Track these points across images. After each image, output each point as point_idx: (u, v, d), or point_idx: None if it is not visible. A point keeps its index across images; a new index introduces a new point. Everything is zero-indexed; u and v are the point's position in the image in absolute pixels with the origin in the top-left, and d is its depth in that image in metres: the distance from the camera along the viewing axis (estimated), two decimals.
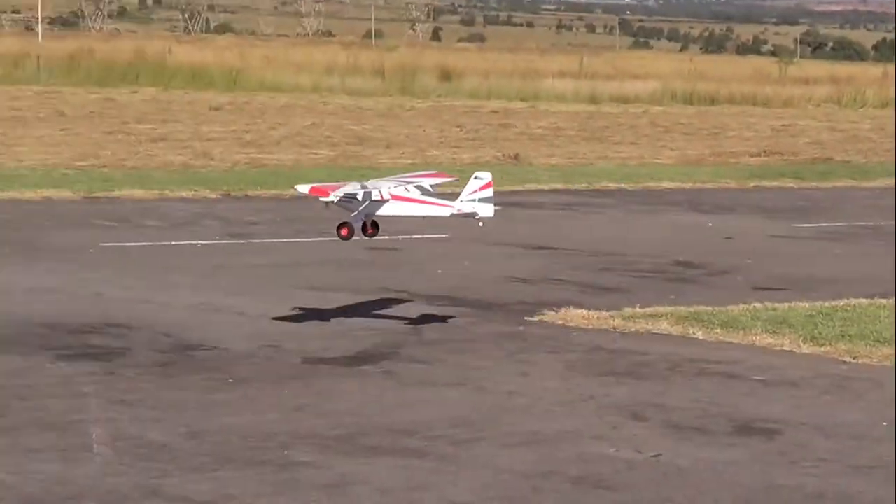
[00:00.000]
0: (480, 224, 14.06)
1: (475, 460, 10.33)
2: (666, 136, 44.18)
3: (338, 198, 13.56)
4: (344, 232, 14.05)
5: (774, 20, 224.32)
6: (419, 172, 15.72)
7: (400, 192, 13.83)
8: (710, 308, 16.23)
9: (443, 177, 15.35)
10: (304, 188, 14.06)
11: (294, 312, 15.62)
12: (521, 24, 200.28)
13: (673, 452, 10.66)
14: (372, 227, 14.09)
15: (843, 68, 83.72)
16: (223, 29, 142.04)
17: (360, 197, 13.64)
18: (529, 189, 28.97)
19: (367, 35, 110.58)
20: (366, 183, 14.05)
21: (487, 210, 13.56)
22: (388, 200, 13.68)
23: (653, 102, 58.40)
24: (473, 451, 10.57)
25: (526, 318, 15.75)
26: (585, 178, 31.40)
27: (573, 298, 16.77)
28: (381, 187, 13.80)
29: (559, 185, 30.01)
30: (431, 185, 14.23)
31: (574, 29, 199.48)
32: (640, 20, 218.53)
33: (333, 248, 17.83)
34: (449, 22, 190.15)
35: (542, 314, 15.88)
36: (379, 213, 13.81)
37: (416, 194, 13.93)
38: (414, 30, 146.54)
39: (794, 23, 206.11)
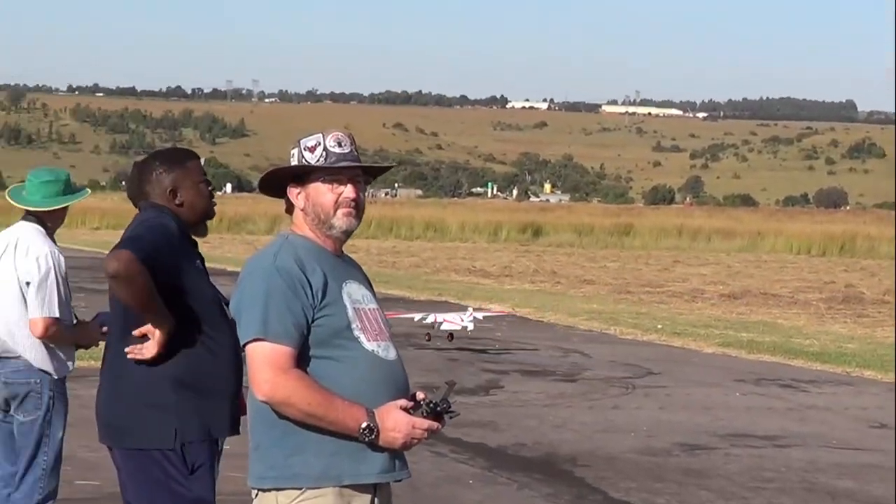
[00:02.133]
0: (469, 331, 19.23)
1: None
2: None
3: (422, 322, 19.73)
4: (426, 338, 19.56)
5: None
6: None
7: (449, 317, 19.56)
8: None
9: (501, 312, 23.24)
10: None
11: None
12: None
13: None
14: (449, 337, 19.31)
15: None
16: None
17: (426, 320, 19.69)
18: None
19: None
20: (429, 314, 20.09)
21: (471, 325, 19.01)
22: (442, 322, 19.28)
23: None
24: None
25: None
26: None
27: None
28: (439, 315, 19.83)
29: None
30: (483, 317, 20.68)
31: None
32: None
33: None
34: None
35: None
36: (443, 328, 19.26)
37: (455, 317, 19.58)
38: None
39: None
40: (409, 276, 34.01)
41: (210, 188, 5.34)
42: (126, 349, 4.98)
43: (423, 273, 36.06)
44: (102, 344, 6.52)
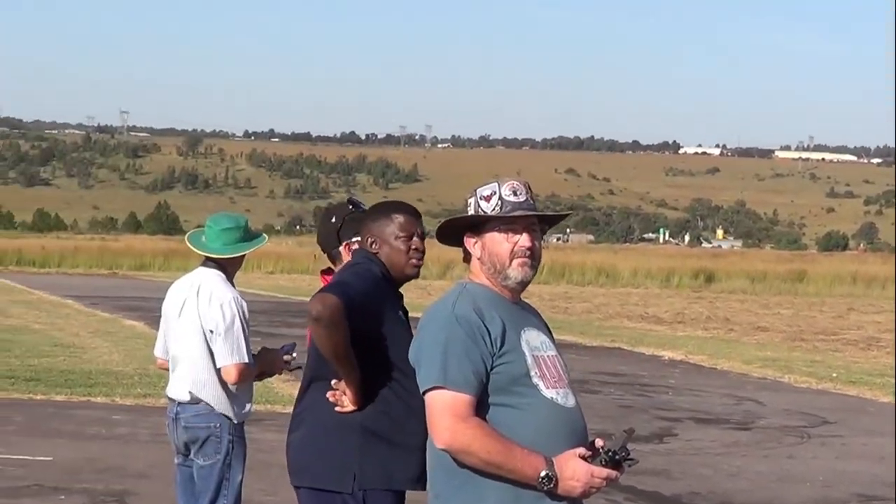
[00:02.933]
0: None
1: None
2: None
3: None
4: None
5: None
6: None
7: None
8: None
9: None
10: None
11: None
12: None
13: None
14: None
15: None
16: None
17: None
18: None
19: None
20: None
21: None
22: None
23: None
24: None
25: None
26: None
27: None
28: None
29: None
30: None
31: None
32: None
33: None
34: None
35: None
36: None
37: None
38: None
39: None
40: (581, 322, 33.90)
41: (414, 248, 5.27)
42: (328, 394, 5.05)
43: (595, 319, 35.92)
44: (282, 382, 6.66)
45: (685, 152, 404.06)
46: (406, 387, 4.91)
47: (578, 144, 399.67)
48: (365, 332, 4.91)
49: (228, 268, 7.03)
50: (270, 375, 7.21)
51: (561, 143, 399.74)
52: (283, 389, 16.93)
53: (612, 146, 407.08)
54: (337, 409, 4.98)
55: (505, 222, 4.30)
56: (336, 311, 4.80)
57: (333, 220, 5.79)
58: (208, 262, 7.02)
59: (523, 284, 4.34)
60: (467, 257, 4.42)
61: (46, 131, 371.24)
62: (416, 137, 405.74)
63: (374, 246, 5.24)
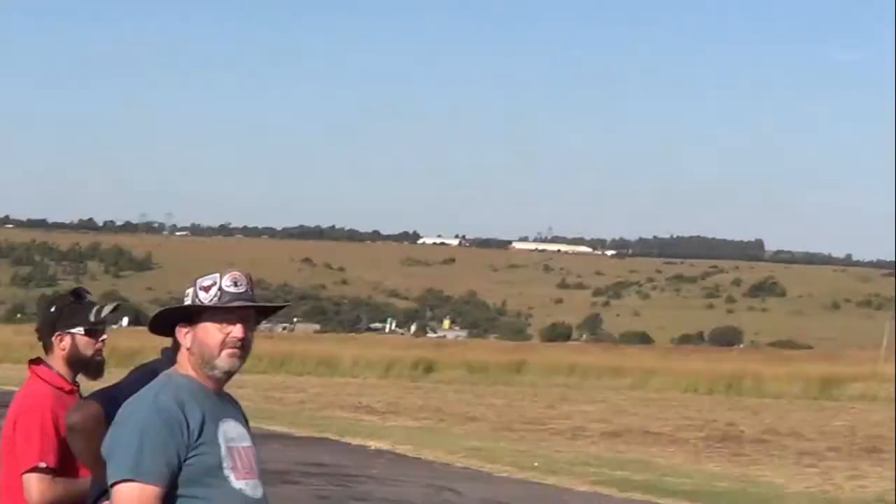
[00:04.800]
0: None
1: None
2: None
3: None
4: None
5: None
6: None
7: None
8: None
9: None
10: None
11: None
12: None
13: None
14: None
15: None
16: None
17: None
18: None
19: None
20: None
21: None
22: None
23: None
24: None
25: None
26: None
27: None
28: None
29: None
30: None
31: None
32: None
33: None
34: None
35: None
36: None
37: None
38: None
39: None
40: (293, 412, 33.54)
41: None
42: None
43: (308, 409, 35.68)
44: None
45: (424, 242, 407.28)
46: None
47: (318, 234, 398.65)
48: None
49: None
50: None
51: (302, 233, 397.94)
52: None
53: (352, 235, 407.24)
54: None
55: (221, 313, 4.32)
56: (91, 418, 4.86)
57: (52, 309, 5.81)
58: None
59: (229, 374, 4.37)
60: (176, 347, 4.46)
61: None
62: (155, 225, 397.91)
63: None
